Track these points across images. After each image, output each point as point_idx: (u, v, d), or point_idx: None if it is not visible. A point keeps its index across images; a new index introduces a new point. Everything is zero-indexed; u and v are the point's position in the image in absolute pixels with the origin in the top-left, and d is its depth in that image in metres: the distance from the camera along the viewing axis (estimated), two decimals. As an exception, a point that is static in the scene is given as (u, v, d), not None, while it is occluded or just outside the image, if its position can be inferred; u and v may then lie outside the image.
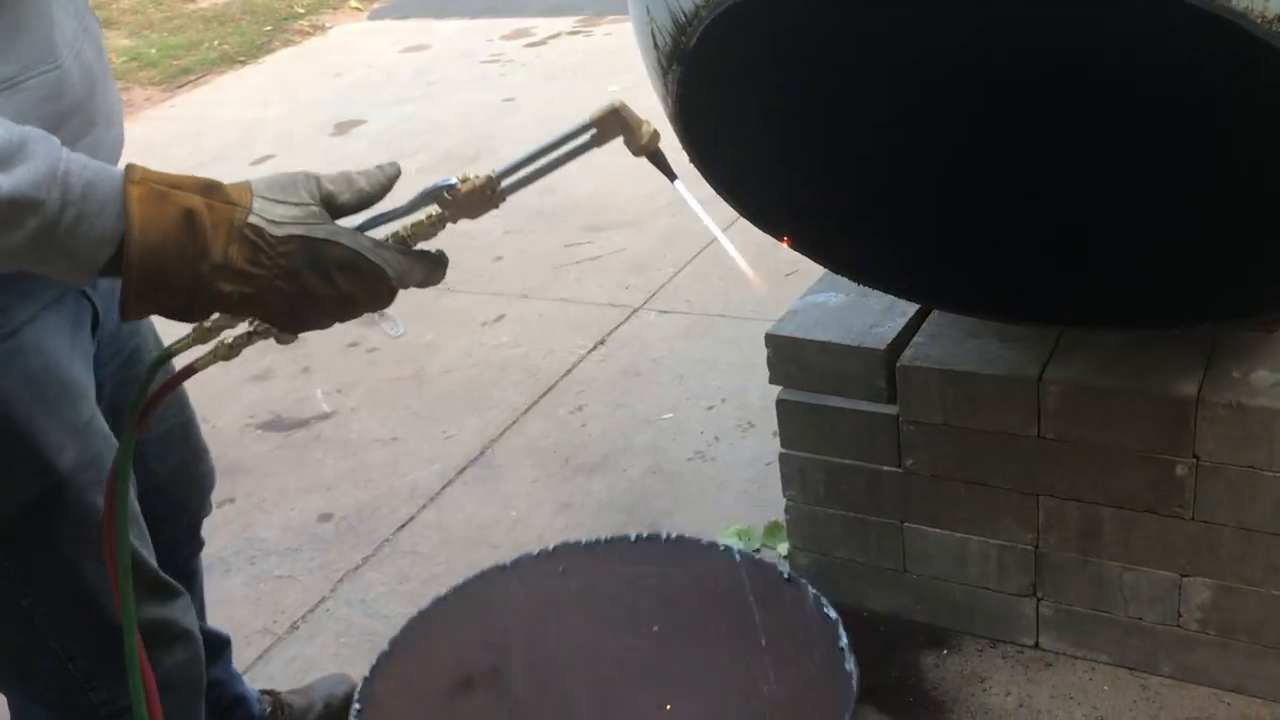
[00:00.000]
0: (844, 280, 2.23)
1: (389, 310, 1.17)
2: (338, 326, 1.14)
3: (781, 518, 2.48)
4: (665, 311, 3.56)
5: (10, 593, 1.34)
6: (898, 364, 1.99)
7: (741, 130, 1.83)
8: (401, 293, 1.15)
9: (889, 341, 2.04)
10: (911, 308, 2.14)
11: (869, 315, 2.13)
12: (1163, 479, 1.84)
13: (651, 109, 1.41)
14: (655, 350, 3.34)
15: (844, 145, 1.94)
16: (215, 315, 1.11)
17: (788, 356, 2.12)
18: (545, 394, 3.20)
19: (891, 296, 2.14)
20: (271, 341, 1.17)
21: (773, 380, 2.17)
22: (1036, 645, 2.10)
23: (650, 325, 3.49)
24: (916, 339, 2.04)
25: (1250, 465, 1.76)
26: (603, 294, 3.74)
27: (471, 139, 5.39)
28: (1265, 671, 1.90)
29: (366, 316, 1.16)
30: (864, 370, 2.05)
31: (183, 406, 1.73)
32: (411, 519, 2.76)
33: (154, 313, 1.08)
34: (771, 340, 2.13)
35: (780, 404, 2.15)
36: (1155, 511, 1.87)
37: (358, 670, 2.14)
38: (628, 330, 3.48)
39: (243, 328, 1.16)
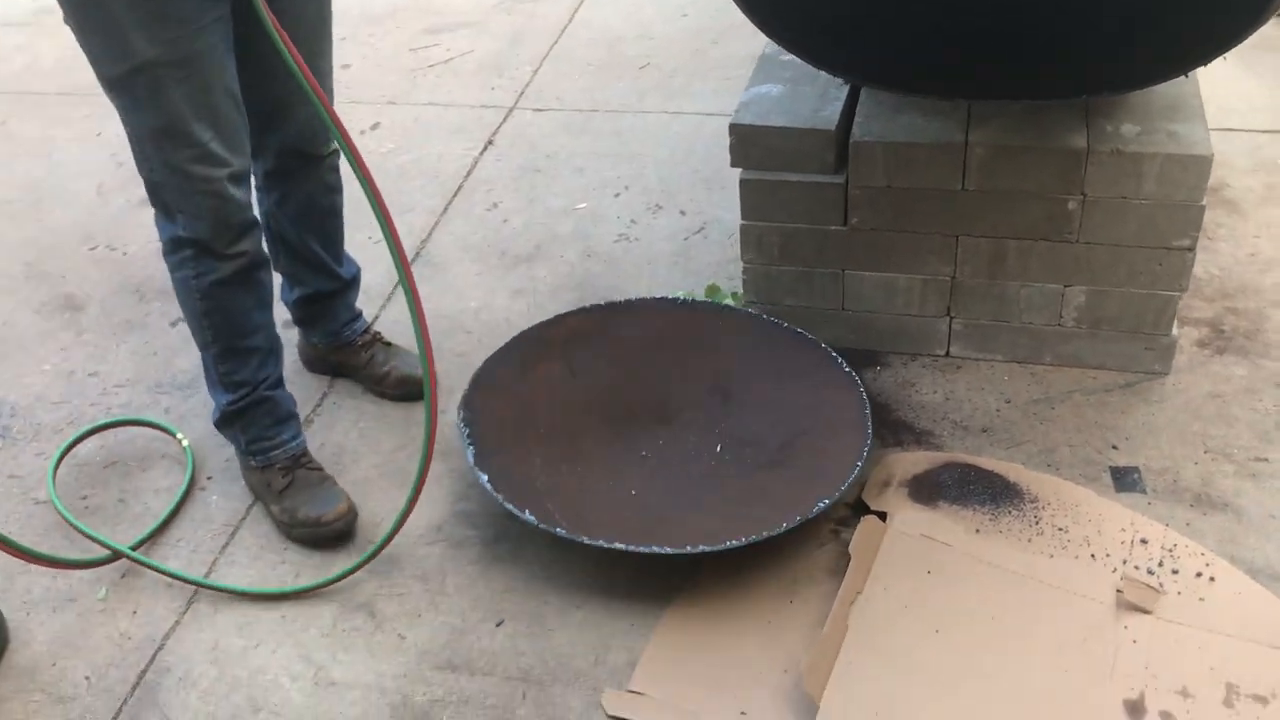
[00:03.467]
0: (775, 73, 2.64)
1: None
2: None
3: (715, 281, 2.95)
4: (540, 110, 3.83)
5: (134, 117, 2.12)
6: (850, 140, 2.43)
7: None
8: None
9: (835, 122, 2.48)
10: (841, 93, 2.57)
11: (809, 102, 2.55)
12: (1057, 213, 2.41)
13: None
14: (545, 147, 3.63)
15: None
16: None
17: (749, 141, 2.52)
18: (455, 195, 3.45)
19: (820, 86, 2.58)
20: None
21: (734, 163, 2.57)
22: (948, 354, 2.69)
23: (530, 124, 3.76)
24: (857, 119, 2.49)
25: (1123, 196, 2.35)
26: (470, 96, 3.95)
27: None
28: (1120, 350, 2.57)
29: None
30: (816, 148, 2.48)
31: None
32: (377, 316, 3.01)
33: None
34: (736, 129, 2.52)
35: (743, 183, 2.56)
36: (1049, 239, 2.45)
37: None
38: (510, 129, 3.74)
39: None
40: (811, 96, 2.57)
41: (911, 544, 2.21)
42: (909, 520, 2.25)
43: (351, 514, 2.42)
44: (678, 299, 2.76)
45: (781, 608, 2.18)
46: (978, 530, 2.24)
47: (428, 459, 2.23)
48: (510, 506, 2.27)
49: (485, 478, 2.34)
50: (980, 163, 2.38)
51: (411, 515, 2.42)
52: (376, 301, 3.06)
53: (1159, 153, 2.29)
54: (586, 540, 2.18)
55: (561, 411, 2.53)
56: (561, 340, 2.69)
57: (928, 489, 2.33)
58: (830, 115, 2.50)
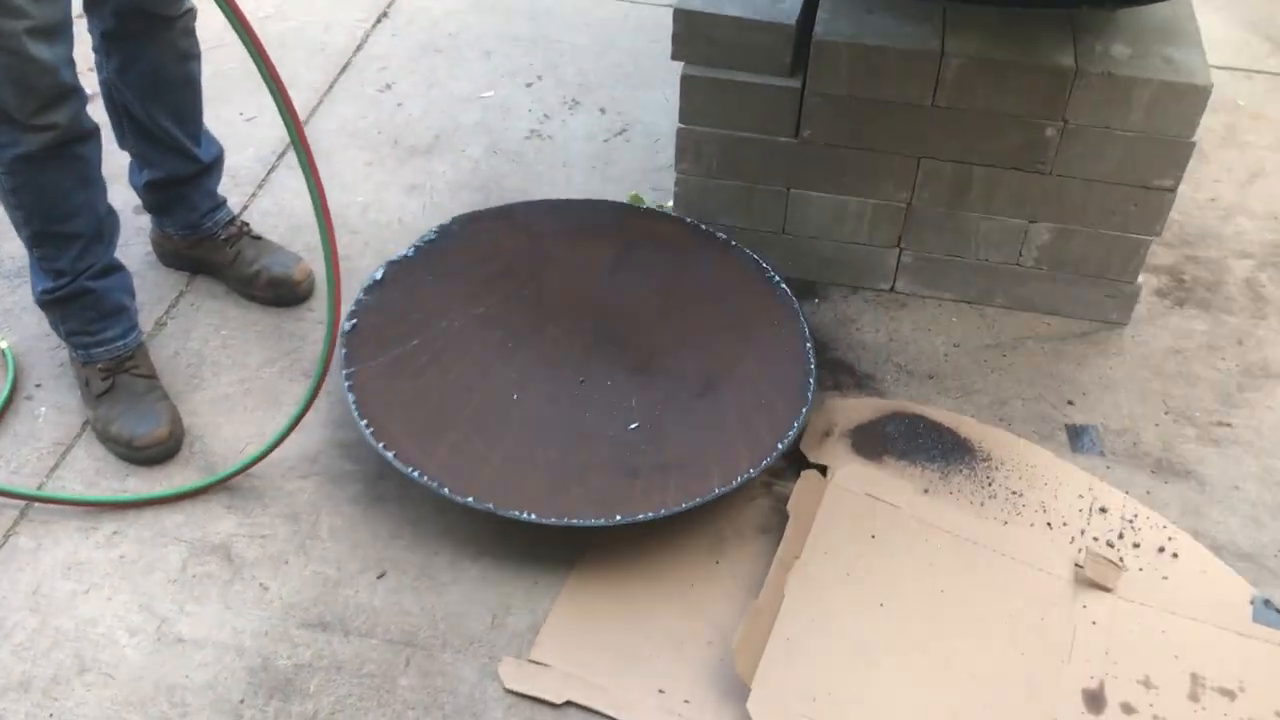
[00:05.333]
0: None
1: None
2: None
3: (638, 191, 2.63)
4: (444, -19, 3.40)
5: None
6: (814, 39, 2.12)
7: None
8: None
9: (796, 17, 2.16)
10: (801, -17, 2.25)
11: (765, -9, 2.23)
12: (1033, 140, 2.15)
13: None
14: (447, 25, 3.22)
15: None
16: None
17: (697, 31, 2.18)
18: (343, 72, 3.03)
19: (777, -28, 2.25)
20: None
21: (676, 56, 2.23)
22: (892, 289, 2.43)
23: (432, -2, 3.34)
24: (821, 14, 2.18)
25: (1107, 126, 2.11)
26: (364, -39, 3.49)
27: None
28: (1079, 296, 2.35)
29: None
30: (772, 44, 2.17)
31: None
32: (246, 206, 2.61)
33: None
34: (682, 15, 2.18)
35: (685, 79, 2.23)
36: (1020, 169, 2.20)
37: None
38: (407, 3, 3.31)
39: None
40: (767, -15, 2.24)
41: (855, 503, 1.97)
42: (852, 476, 2.00)
43: (173, 440, 2.07)
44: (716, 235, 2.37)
45: (706, 569, 1.92)
46: (926, 490, 2.01)
47: (326, 366, 1.90)
48: (363, 424, 1.99)
49: (348, 384, 2.05)
50: (956, 76, 2.10)
51: (283, 444, 2.09)
52: (245, 188, 2.65)
53: (1154, 79, 2.04)
54: (471, 503, 1.88)
55: (534, 293, 2.26)
56: (616, 226, 2.40)
57: (872, 441, 2.08)
58: (790, 8, 2.18)
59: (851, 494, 1.98)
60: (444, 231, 2.35)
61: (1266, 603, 1.88)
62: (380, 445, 1.95)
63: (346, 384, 2.06)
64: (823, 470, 2.02)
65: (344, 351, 2.13)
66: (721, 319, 2.19)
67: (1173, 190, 2.16)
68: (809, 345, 2.13)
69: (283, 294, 2.35)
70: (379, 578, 1.90)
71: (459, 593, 1.89)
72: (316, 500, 2.01)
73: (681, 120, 2.28)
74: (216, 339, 2.30)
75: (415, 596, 1.88)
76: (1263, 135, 2.89)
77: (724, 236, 2.31)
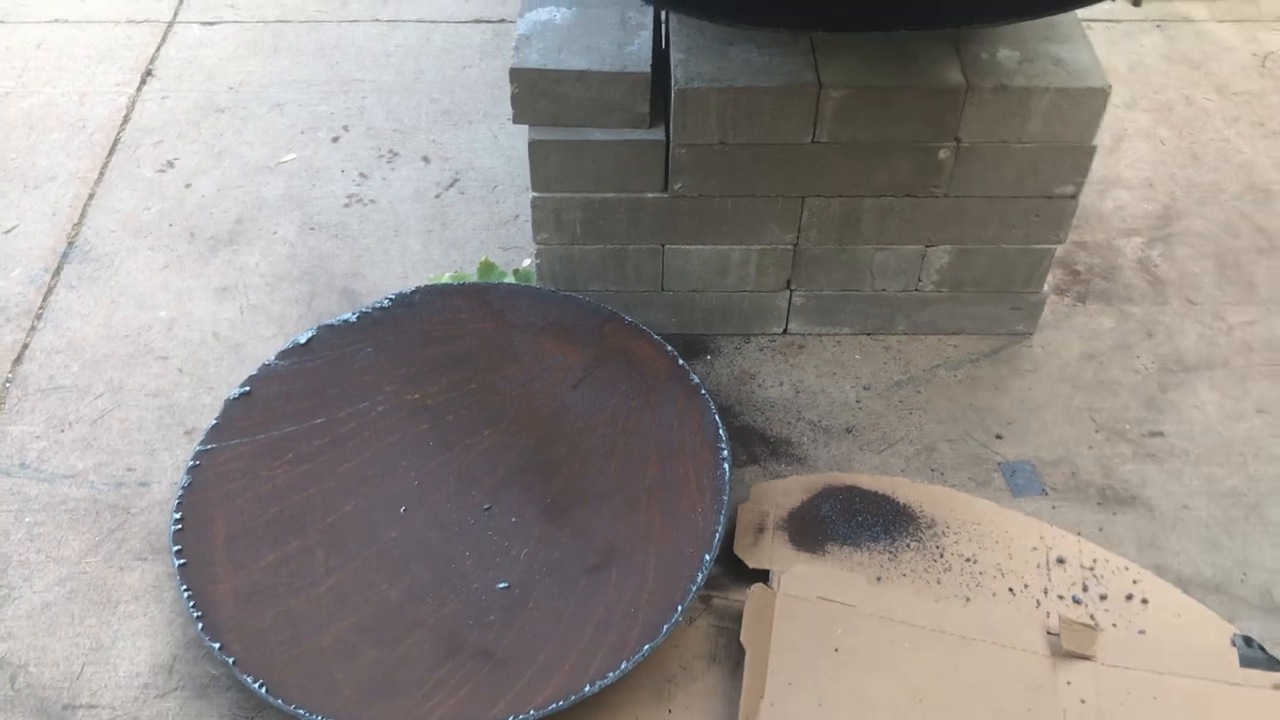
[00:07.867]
0: (552, -10, 2.01)
1: None
2: None
3: (490, 256, 2.34)
4: (211, 23, 2.96)
5: None
6: (674, 86, 1.85)
7: None
8: None
9: (649, 61, 1.89)
10: (645, 16, 1.98)
11: (607, 32, 1.94)
12: (925, 164, 1.95)
13: None
14: (225, 76, 2.80)
15: None
16: None
17: (539, 91, 1.89)
18: (112, 152, 2.59)
19: (616, 8, 1.98)
20: None
21: (519, 119, 1.93)
22: (785, 331, 2.22)
23: (201, 43, 2.90)
24: (676, 55, 1.91)
25: (1003, 140, 1.93)
26: (110, 7, 3.01)
27: None
28: (983, 312, 2.19)
29: None
30: (625, 97, 1.89)
31: None
32: (26, 345, 2.19)
33: None
34: (520, 75, 1.87)
35: (534, 145, 1.93)
36: (913, 195, 2.00)
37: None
38: (174, 53, 2.87)
39: None
40: (609, 24, 1.95)
41: (808, 613, 1.75)
42: (799, 579, 1.79)
43: None
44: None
45: (660, 721, 1.69)
46: (879, 578, 1.82)
47: None
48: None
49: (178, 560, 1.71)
50: (837, 109, 1.87)
51: (129, 655, 1.74)
52: (20, 322, 2.22)
53: (1049, 87, 1.86)
54: (216, 650, 1.65)
55: (483, 389, 1.98)
56: (594, 334, 2.08)
57: (810, 529, 1.88)
58: (639, 51, 1.90)
59: (803, 602, 1.76)
60: (402, 300, 2.05)
61: (1249, 641, 1.77)
62: (176, 554, 1.71)
63: (190, 463, 1.80)
64: (764, 576, 1.80)
65: (213, 423, 1.84)
66: (658, 479, 1.88)
67: (1075, 196, 2.01)
68: (711, 548, 1.77)
69: None
70: (281, 812, 1.60)
71: (381, 811, 1.60)
72: (185, 724, 1.68)
73: (535, 188, 1.99)
74: (20, 529, 1.90)
75: (329, 827, 1.58)
76: (1116, 92, 2.78)
77: (696, 380, 1.99)
